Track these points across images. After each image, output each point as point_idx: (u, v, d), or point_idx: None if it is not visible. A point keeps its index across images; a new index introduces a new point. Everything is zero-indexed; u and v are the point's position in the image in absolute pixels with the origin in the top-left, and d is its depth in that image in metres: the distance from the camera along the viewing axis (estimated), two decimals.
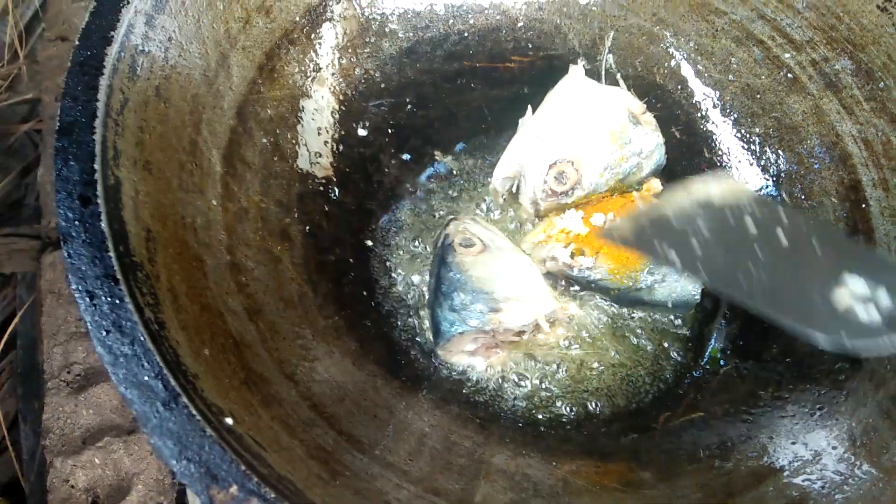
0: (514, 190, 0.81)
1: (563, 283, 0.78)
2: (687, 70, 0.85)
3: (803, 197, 0.78)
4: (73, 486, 0.78)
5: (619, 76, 0.86)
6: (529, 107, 0.81)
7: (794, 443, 0.63)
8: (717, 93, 0.84)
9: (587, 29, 0.86)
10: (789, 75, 0.79)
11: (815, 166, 0.77)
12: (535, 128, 0.78)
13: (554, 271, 0.76)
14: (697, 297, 0.75)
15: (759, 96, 0.81)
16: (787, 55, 0.79)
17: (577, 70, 0.81)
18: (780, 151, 0.80)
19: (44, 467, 0.89)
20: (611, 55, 0.86)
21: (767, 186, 0.81)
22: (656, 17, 0.84)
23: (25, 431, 0.92)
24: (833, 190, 0.76)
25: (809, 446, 0.61)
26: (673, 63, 0.85)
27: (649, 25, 0.85)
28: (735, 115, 0.83)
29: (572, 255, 0.74)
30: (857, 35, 0.74)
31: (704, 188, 0.61)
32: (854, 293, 0.52)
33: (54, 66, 1.05)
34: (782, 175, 0.80)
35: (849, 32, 0.74)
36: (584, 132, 0.77)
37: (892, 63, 0.72)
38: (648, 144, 0.79)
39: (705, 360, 0.74)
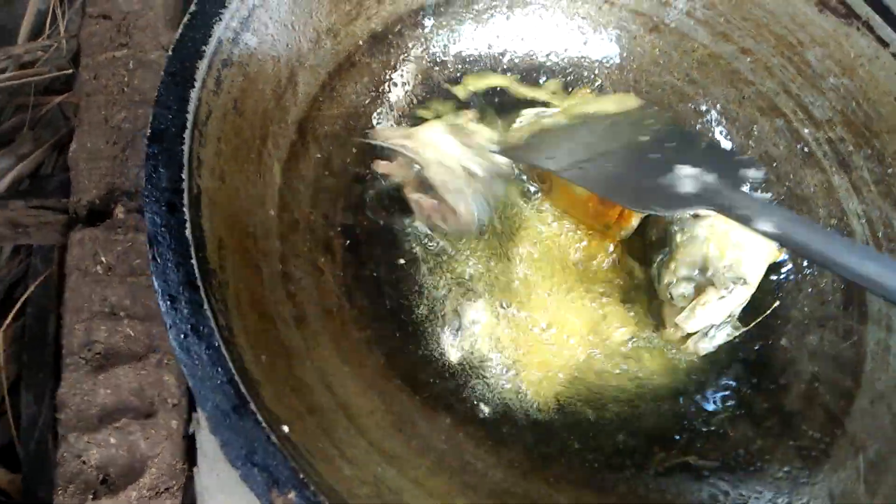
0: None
1: None
2: (711, 131, 0.90)
3: (805, 264, 0.83)
4: (84, 462, 0.79)
5: None
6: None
7: (777, 496, 0.68)
8: None
9: (622, 79, 0.91)
10: (806, 149, 0.85)
11: None
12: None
13: None
14: None
15: (775, 164, 0.87)
16: (806, 130, 0.85)
17: None
18: None
19: (44, 437, 0.91)
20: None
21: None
22: (689, 78, 0.89)
23: (27, 399, 0.93)
24: None
25: (793, 502, 0.67)
26: (699, 122, 0.90)
27: (681, 84, 0.90)
28: None
29: None
30: (874, 121, 0.80)
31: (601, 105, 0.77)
32: (681, 176, 0.64)
33: (94, 44, 1.06)
34: None
35: (866, 118, 0.80)
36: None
37: None
38: None
39: (703, 407, 0.79)
